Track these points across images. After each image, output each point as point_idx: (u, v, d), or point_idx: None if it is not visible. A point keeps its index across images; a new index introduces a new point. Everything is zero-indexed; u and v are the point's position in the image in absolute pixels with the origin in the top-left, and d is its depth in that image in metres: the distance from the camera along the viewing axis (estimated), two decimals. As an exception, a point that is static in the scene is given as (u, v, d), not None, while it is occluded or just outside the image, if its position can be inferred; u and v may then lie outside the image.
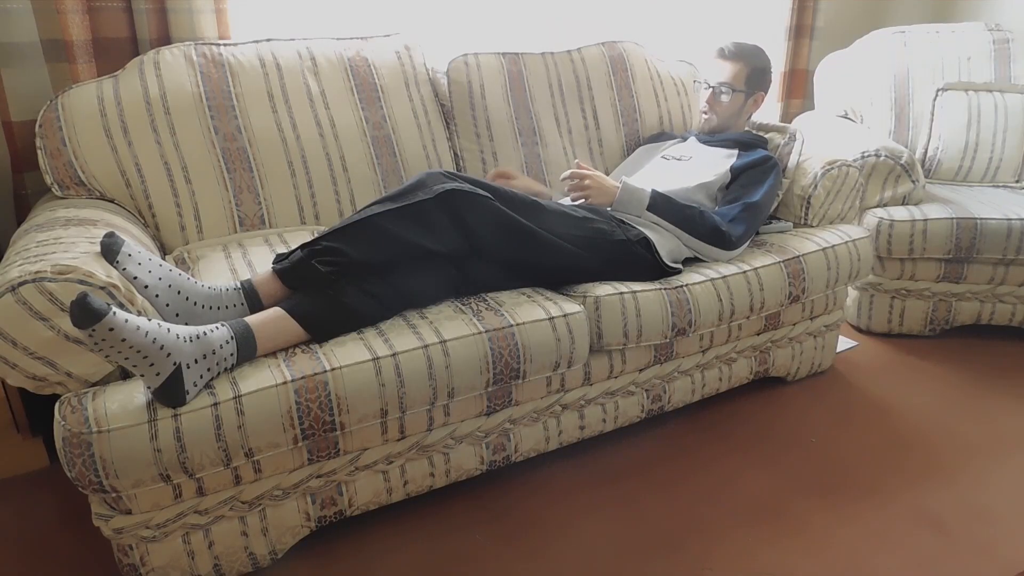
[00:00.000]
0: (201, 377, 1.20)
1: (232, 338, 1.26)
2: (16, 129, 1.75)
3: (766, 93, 2.09)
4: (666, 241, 1.75)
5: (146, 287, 1.28)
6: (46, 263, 1.18)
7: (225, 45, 1.86)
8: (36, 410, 1.75)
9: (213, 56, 1.82)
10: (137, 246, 1.32)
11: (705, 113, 2.09)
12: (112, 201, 1.70)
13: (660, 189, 1.85)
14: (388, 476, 1.46)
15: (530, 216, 1.56)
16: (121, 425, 1.14)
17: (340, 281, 1.38)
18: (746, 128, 2.15)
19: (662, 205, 1.78)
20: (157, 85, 1.74)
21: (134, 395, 1.19)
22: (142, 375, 1.15)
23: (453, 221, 1.46)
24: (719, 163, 1.98)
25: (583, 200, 1.79)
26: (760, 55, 2.06)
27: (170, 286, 1.31)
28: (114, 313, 1.07)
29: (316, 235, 1.45)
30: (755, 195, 1.87)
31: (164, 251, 1.74)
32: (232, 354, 1.25)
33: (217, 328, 1.25)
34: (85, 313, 1.04)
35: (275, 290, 1.42)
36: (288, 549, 1.41)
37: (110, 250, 1.26)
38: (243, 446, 1.23)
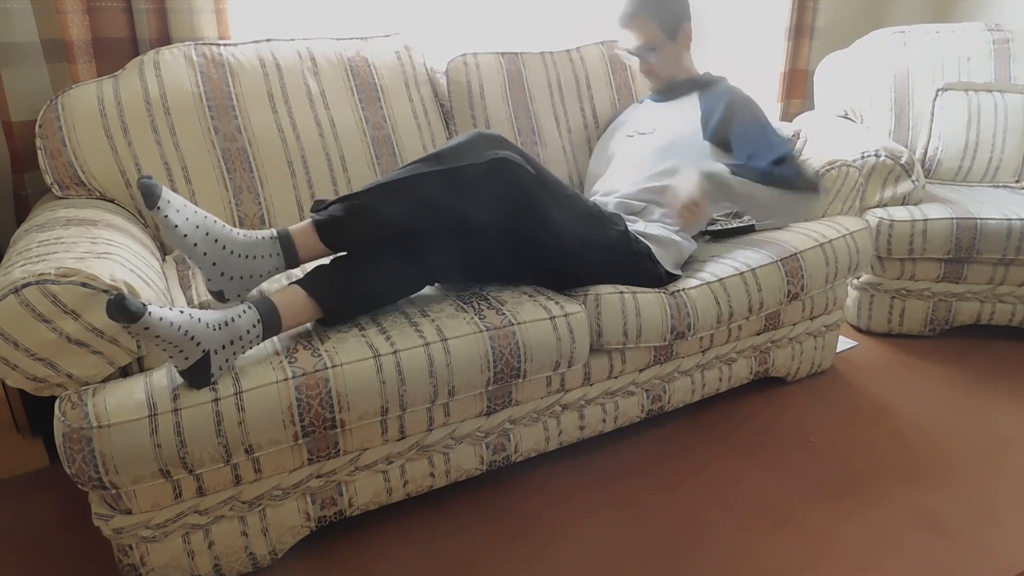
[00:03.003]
0: (227, 361, 1.24)
1: (259, 321, 1.28)
2: (16, 129, 1.75)
3: (689, 21, 1.94)
4: (667, 252, 1.74)
5: (185, 236, 1.29)
6: (49, 264, 1.18)
7: (225, 45, 1.86)
8: (36, 410, 1.75)
9: (213, 56, 1.82)
10: (173, 194, 1.31)
11: (648, 80, 2.01)
12: (112, 201, 1.70)
13: (639, 171, 1.82)
14: (388, 476, 1.46)
15: (558, 203, 1.54)
16: (121, 420, 1.15)
17: (367, 254, 1.39)
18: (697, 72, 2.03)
19: (741, 171, 1.70)
20: (157, 85, 1.74)
21: (134, 390, 1.19)
22: (171, 357, 1.18)
23: (494, 190, 1.43)
24: (686, 117, 1.90)
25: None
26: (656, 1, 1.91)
27: (207, 234, 1.32)
28: (149, 314, 1.10)
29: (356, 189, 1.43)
30: (780, 145, 1.76)
31: (164, 251, 1.74)
32: (259, 335, 1.28)
33: (244, 312, 1.26)
34: (122, 314, 1.07)
35: (312, 243, 1.41)
36: (288, 549, 1.41)
37: (151, 194, 1.25)
38: (243, 442, 1.23)
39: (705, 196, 1.63)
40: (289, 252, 1.41)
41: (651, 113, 2.02)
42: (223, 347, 1.22)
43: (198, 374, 1.20)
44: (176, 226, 1.28)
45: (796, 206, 1.74)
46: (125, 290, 1.21)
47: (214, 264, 1.33)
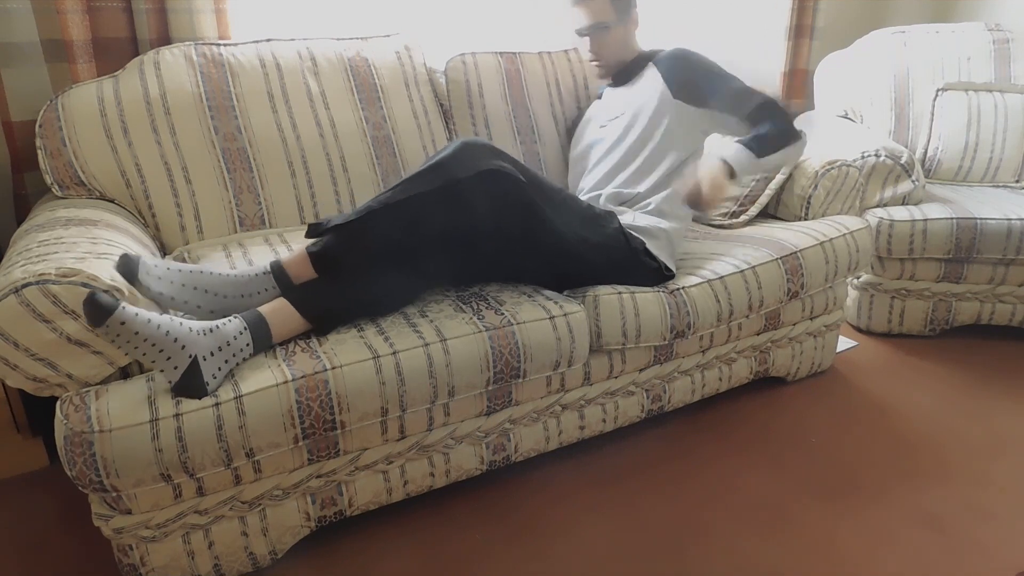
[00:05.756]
0: (219, 369, 1.22)
1: (245, 328, 1.27)
2: (16, 129, 1.75)
3: (637, 7, 1.94)
4: (660, 243, 1.74)
5: (172, 299, 1.29)
6: (49, 264, 1.18)
7: (225, 45, 1.86)
8: (36, 410, 1.75)
9: (213, 56, 1.82)
10: (151, 259, 1.30)
11: (595, 63, 1.96)
12: (112, 201, 1.70)
13: (624, 155, 1.82)
14: (388, 476, 1.46)
15: (553, 208, 1.53)
16: (123, 424, 1.14)
17: (362, 275, 1.39)
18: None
19: (762, 147, 1.70)
20: (157, 85, 1.74)
21: (136, 394, 1.19)
22: (161, 370, 1.17)
23: (489, 204, 1.42)
24: (651, 88, 1.88)
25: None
26: None
27: (195, 288, 1.31)
28: (123, 308, 1.10)
29: (354, 212, 1.41)
30: (750, 89, 1.78)
31: (164, 251, 1.74)
32: (248, 344, 1.27)
33: (230, 320, 1.26)
34: (95, 311, 1.07)
35: (307, 273, 1.41)
36: (288, 549, 1.41)
37: (129, 270, 1.24)
38: (244, 446, 1.23)
39: (724, 183, 1.63)
40: (284, 283, 1.40)
41: (615, 98, 1.98)
42: (211, 353, 1.20)
43: (191, 382, 1.18)
44: (161, 293, 1.27)
45: (790, 156, 1.77)
46: (125, 292, 1.21)
47: (212, 312, 1.33)
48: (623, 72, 1.98)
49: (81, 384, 1.22)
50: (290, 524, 1.39)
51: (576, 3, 1.89)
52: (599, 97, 2.09)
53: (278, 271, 1.40)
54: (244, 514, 1.33)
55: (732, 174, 1.66)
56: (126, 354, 1.19)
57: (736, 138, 1.73)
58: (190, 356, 1.18)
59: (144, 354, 1.15)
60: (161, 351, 1.15)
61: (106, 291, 1.18)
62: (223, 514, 1.31)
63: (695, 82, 1.82)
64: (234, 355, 1.25)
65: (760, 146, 1.70)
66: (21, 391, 1.69)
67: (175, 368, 1.17)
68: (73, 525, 1.54)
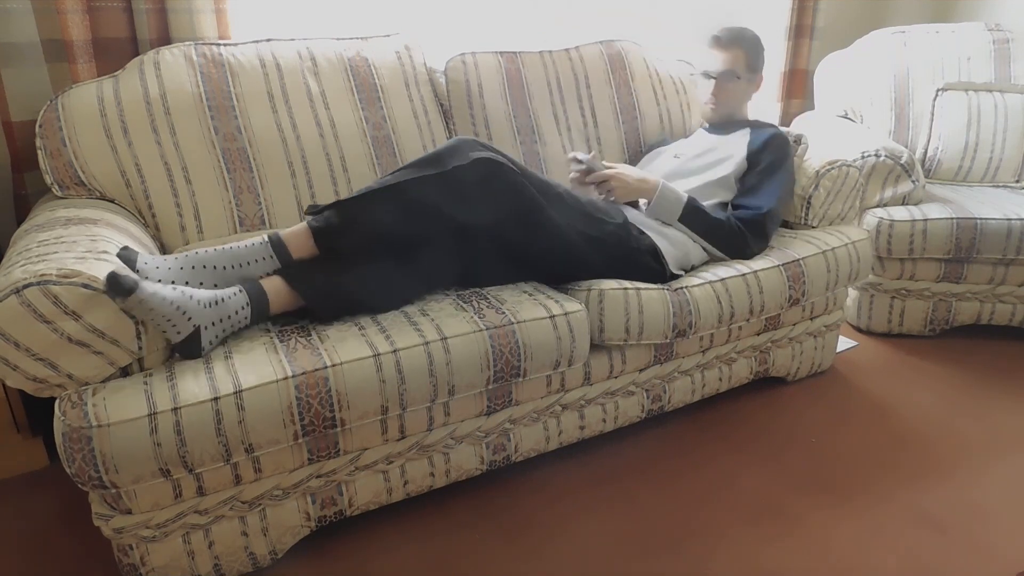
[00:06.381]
0: (216, 337, 1.31)
1: (248, 303, 1.34)
2: (16, 129, 1.75)
3: (762, 74, 2.09)
4: (676, 251, 1.75)
5: (173, 282, 1.33)
6: (50, 264, 1.18)
7: (225, 45, 1.86)
8: (36, 410, 1.75)
9: (213, 56, 1.82)
10: (147, 255, 1.37)
11: (711, 105, 2.04)
12: (112, 201, 1.70)
13: (678, 187, 1.87)
14: (388, 476, 1.46)
15: (549, 202, 1.56)
16: (121, 419, 1.15)
17: (358, 261, 1.42)
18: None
19: (693, 217, 1.79)
20: (157, 85, 1.74)
21: (134, 390, 1.19)
22: (164, 331, 1.25)
23: (483, 192, 1.46)
24: (735, 149, 1.96)
25: (611, 198, 1.80)
26: (755, 38, 2.04)
27: (193, 267, 1.36)
28: (141, 289, 1.16)
29: (352, 193, 1.46)
30: (771, 199, 1.85)
31: (164, 251, 1.74)
32: (247, 317, 1.34)
33: (234, 295, 1.33)
34: (117, 290, 1.14)
35: (307, 246, 1.45)
36: (288, 549, 1.41)
37: (128, 260, 1.31)
38: (243, 441, 1.23)
39: (632, 193, 1.81)
40: (282, 255, 1.43)
41: (702, 139, 2.08)
42: (212, 324, 1.29)
43: (189, 346, 1.27)
44: (160, 280, 1.31)
45: (710, 249, 1.84)
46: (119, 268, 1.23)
47: (215, 285, 1.37)
48: (724, 122, 2.07)
49: (81, 384, 1.22)
50: (290, 524, 1.38)
51: (715, 46, 2.01)
52: (687, 136, 2.18)
53: (276, 242, 1.43)
54: (244, 514, 1.33)
55: (650, 197, 1.80)
56: (133, 316, 1.22)
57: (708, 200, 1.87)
58: (194, 326, 1.26)
59: (152, 320, 1.22)
60: (169, 320, 1.22)
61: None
62: (223, 514, 1.31)
63: (760, 160, 1.92)
64: (232, 325, 1.33)
65: (696, 217, 1.80)
66: (21, 391, 1.68)
67: (178, 333, 1.25)
68: (73, 525, 1.54)
